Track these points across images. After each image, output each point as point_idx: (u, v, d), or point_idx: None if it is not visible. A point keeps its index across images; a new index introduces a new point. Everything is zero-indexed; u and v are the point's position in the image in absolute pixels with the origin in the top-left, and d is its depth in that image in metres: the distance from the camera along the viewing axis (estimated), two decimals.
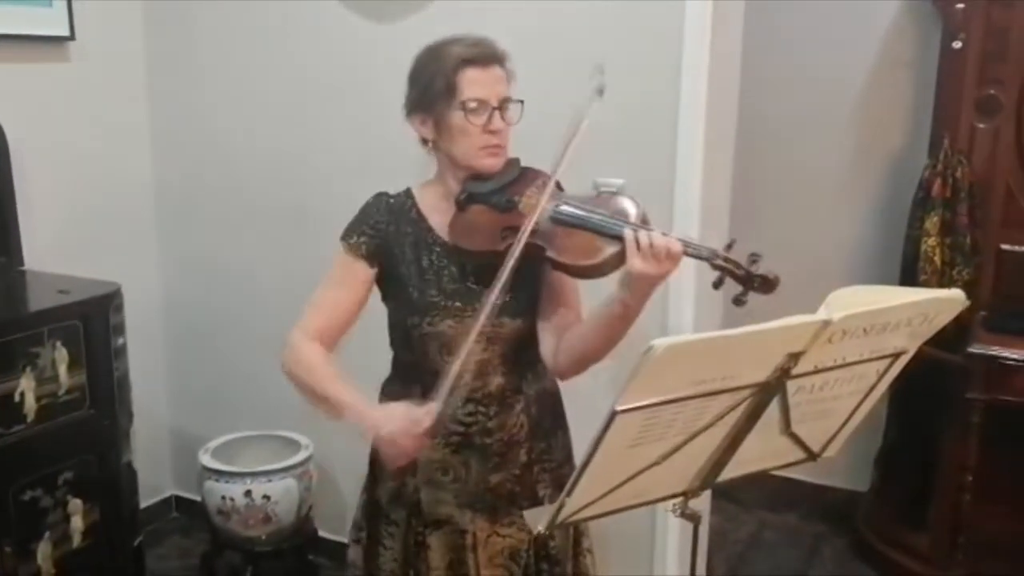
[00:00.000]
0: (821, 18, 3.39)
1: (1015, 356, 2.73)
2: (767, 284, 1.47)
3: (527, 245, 1.57)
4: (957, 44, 2.88)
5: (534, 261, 1.62)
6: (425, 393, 1.68)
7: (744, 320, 1.20)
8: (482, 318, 1.55)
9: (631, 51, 2.37)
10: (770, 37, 3.29)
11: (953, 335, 2.59)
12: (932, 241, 2.93)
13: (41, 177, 2.84)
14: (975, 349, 2.75)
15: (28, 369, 2.28)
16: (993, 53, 2.87)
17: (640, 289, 1.50)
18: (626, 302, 1.52)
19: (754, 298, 1.49)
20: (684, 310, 2.41)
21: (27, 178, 2.77)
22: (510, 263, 1.55)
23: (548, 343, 1.71)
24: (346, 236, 1.73)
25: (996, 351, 2.75)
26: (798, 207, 3.52)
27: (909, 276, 3.01)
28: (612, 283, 1.56)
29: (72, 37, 2.85)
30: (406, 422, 1.54)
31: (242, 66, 3.00)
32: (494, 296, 1.55)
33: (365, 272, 1.72)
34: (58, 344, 2.34)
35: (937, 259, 2.93)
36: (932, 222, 2.93)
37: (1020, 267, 2.94)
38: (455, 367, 1.55)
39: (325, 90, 2.86)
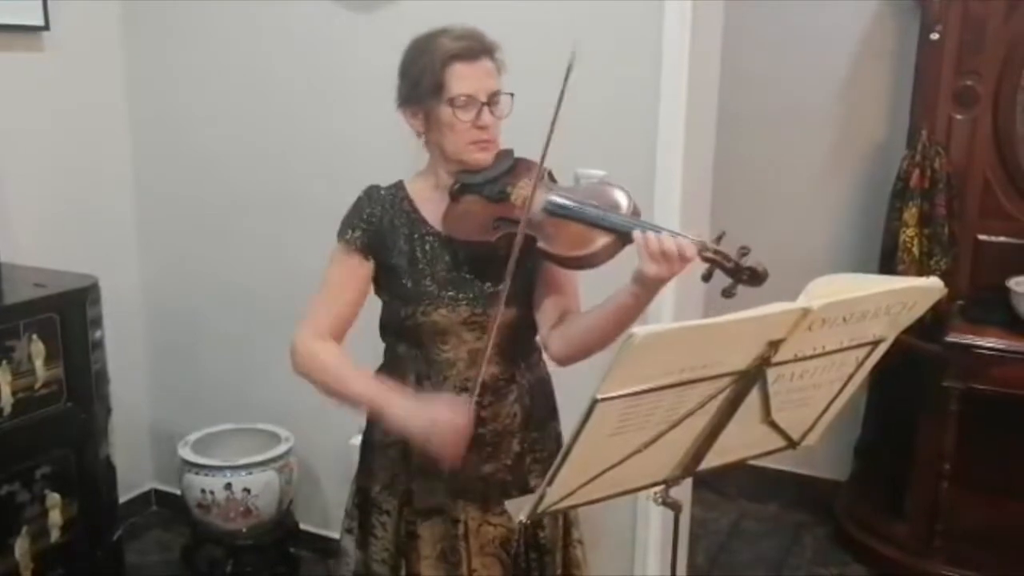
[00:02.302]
0: (800, 11, 3.40)
1: (992, 345, 2.76)
2: (756, 277, 1.47)
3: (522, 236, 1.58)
4: (935, 36, 2.90)
5: (527, 250, 1.62)
6: (419, 382, 1.72)
7: (724, 309, 1.20)
8: (496, 326, 1.59)
9: (611, 44, 2.37)
10: (750, 30, 3.30)
11: (931, 325, 2.62)
12: (910, 232, 2.95)
13: (16, 168, 2.81)
14: (953, 338, 2.78)
15: (4, 362, 2.25)
16: (970, 44, 2.89)
17: (651, 286, 1.51)
18: (637, 295, 1.53)
19: (740, 289, 1.50)
20: (664, 299, 2.42)
21: (2, 169, 2.74)
22: (514, 258, 1.55)
23: (546, 329, 1.70)
24: (341, 233, 1.73)
25: (973, 340, 2.78)
26: (778, 198, 3.53)
27: (887, 266, 3.03)
28: (613, 272, 1.56)
29: (47, 27, 2.81)
30: (453, 413, 1.56)
31: (220, 57, 2.97)
32: (504, 295, 1.58)
33: (363, 267, 1.72)
34: (34, 337, 2.32)
35: (915, 249, 2.95)
36: (910, 213, 2.95)
37: (997, 257, 2.96)
38: (483, 366, 1.61)
39: (305, 81, 2.84)
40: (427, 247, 1.70)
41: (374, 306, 1.79)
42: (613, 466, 1.30)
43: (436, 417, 1.56)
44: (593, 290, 1.67)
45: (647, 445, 1.29)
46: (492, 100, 1.63)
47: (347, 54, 2.73)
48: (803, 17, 3.40)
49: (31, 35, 2.82)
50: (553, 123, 1.56)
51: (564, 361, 1.73)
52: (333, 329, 1.72)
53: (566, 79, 1.54)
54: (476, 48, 1.62)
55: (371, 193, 1.75)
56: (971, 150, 2.96)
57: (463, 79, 1.60)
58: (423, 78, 1.62)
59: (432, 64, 1.61)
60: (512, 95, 1.65)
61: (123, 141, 3.17)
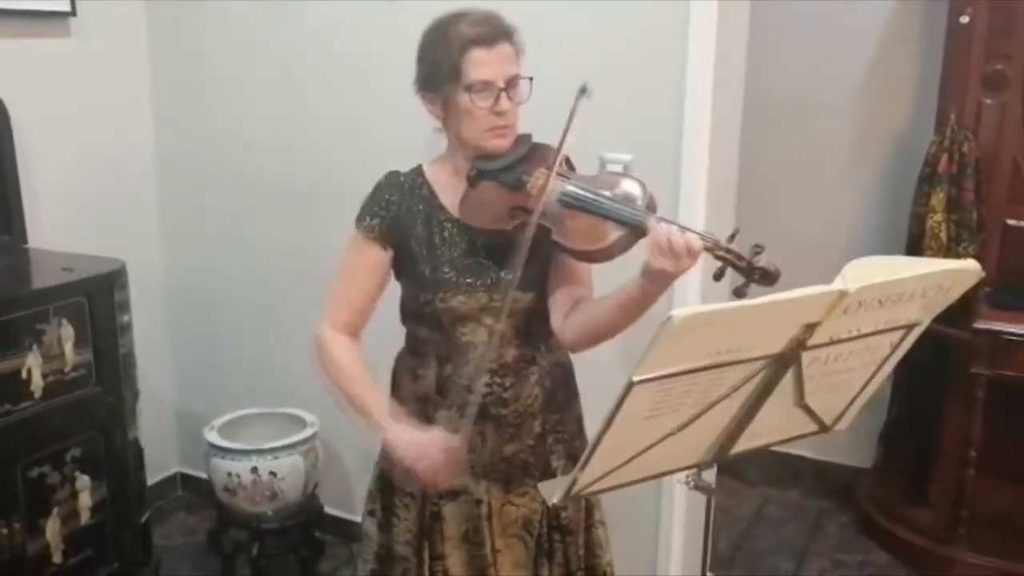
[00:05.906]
0: None
1: (1020, 331, 2.73)
2: (768, 277, 1.47)
3: (535, 226, 1.58)
4: (964, 19, 2.87)
5: (543, 238, 1.62)
6: (440, 364, 1.73)
7: (752, 293, 1.19)
8: (503, 319, 1.63)
9: (639, 31, 2.36)
10: (776, 15, 3.27)
11: (958, 311, 2.56)
12: (938, 217, 2.92)
13: (44, 154, 2.83)
14: (980, 325, 2.76)
15: (35, 346, 2.27)
16: (1000, 28, 2.85)
17: (660, 280, 1.50)
18: (645, 289, 1.52)
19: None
20: (690, 284, 2.41)
21: (30, 155, 2.76)
22: (523, 250, 1.55)
23: (558, 316, 1.71)
24: (360, 219, 1.73)
25: (1001, 327, 2.76)
26: (804, 184, 3.51)
27: (914, 253, 2.99)
28: (633, 260, 1.55)
29: (73, 13, 2.83)
30: (431, 451, 1.62)
31: (245, 43, 2.98)
32: (513, 287, 1.59)
33: (380, 255, 1.72)
34: (64, 321, 2.34)
35: (943, 235, 2.92)
36: (938, 198, 2.92)
37: None
38: (478, 388, 1.64)
39: (329, 65, 2.84)
40: (445, 233, 1.71)
41: (393, 293, 1.79)
42: (646, 449, 1.30)
43: (426, 449, 1.62)
44: (609, 278, 1.66)
45: (681, 428, 1.28)
46: (510, 85, 1.61)
47: (369, 39, 2.72)
48: (829, 2, 3.36)
49: (57, 21, 2.83)
50: (561, 142, 1.58)
51: (574, 348, 1.75)
52: (351, 321, 1.75)
53: (574, 108, 1.55)
54: (494, 33, 1.61)
55: (390, 179, 1.75)
56: (1000, 135, 2.92)
57: (481, 65, 1.59)
58: (440, 64, 1.61)
59: (449, 50, 1.60)
60: (531, 79, 1.64)
61: (148, 126, 3.19)
